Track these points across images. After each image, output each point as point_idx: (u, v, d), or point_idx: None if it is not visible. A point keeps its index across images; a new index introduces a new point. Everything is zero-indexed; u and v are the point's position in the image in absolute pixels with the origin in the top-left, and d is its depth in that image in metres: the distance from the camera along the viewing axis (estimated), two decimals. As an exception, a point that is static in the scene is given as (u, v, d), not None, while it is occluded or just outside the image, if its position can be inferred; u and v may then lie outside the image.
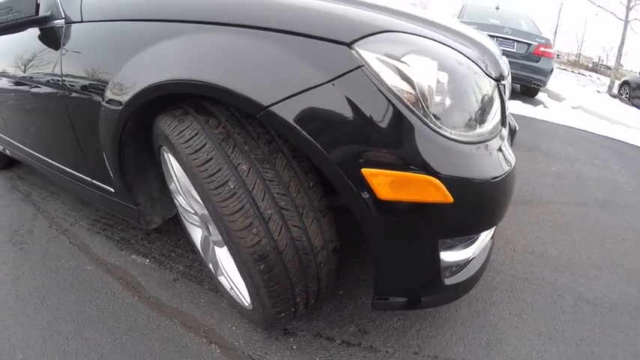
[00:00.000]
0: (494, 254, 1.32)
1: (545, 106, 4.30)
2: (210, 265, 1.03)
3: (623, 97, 7.31)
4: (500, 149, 0.72)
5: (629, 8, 6.51)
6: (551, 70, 4.48)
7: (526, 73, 4.35)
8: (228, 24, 0.66)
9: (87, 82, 0.93)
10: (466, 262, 0.77)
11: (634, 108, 5.61)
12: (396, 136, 0.57)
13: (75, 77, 0.97)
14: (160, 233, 1.47)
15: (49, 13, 1.10)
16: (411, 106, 0.58)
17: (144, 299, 1.15)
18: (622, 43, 7.44)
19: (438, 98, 0.60)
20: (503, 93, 0.80)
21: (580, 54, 37.21)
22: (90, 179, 1.20)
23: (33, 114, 1.45)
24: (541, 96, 5.18)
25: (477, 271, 0.81)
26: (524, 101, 4.21)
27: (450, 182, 0.59)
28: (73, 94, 0.99)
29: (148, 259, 1.34)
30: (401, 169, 0.57)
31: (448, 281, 0.73)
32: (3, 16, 1.12)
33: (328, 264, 0.74)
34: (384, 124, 0.57)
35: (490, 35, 4.30)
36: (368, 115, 0.57)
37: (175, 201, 1.03)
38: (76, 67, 0.97)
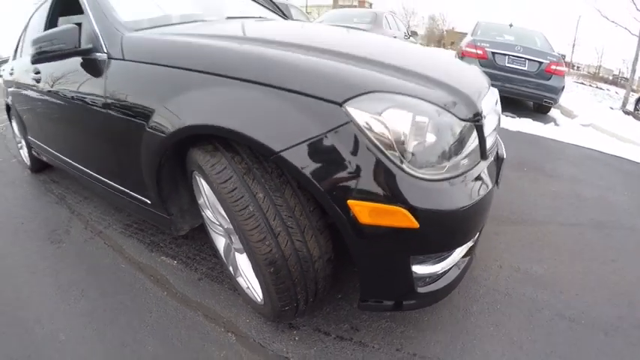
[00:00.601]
0: (480, 269, 1.46)
1: (555, 124, 4.35)
2: (231, 268, 1.22)
3: (638, 113, 7.21)
4: (474, 180, 0.89)
5: None
6: (563, 88, 4.53)
7: (537, 90, 4.43)
8: (248, 80, 0.85)
9: (131, 110, 1.13)
10: (440, 274, 0.94)
11: None
12: (374, 176, 0.75)
13: (119, 102, 1.18)
14: (186, 239, 1.67)
15: (90, 46, 1.33)
16: (387, 153, 0.76)
17: (172, 294, 1.35)
18: (636, 59, 7.36)
19: (412, 145, 0.78)
20: (482, 129, 0.96)
21: (600, 66, 36.23)
22: (128, 190, 1.40)
23: (74, 128, 1.67)
24: (554, 112, 5.21)
25: (452, 282, 0.97)
26: (534, 119, 4.25)
27: (420, 212, 0.76)
28: (117, 116, 1.20)
29: (176, 260, 1.54)
30: (378, 201, 0.75)
31: (422, 290, 0.89)
32: (48, 47, 1.32)
33: (324, 270, 0.92)
34: (365, 167, 0.75)
35: (502, 53, 4.39)
36: (353, 160, 0.75)
37: (203, 213, 1.23)
38: (119, 94, 1.18)
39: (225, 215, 0.92)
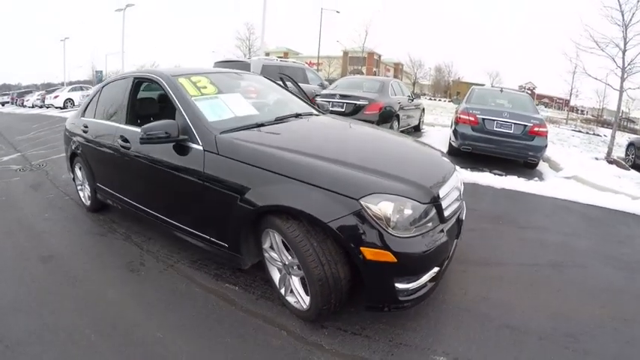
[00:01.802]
0: (450, 294, 2.10)
1: (540, 179, 5.05)
2: (282, 290, 1.91)
3: (629, 157, 7.90)
4: (432, 235, 1.61)
5: (622, 79, 7.53)
6: (545, 147, 5.32)
7: (522, 150, 5.24)
8: (308, 183, 1.61)
9: (226, 188, 1.86)
10: (413, 290, 1.61)
11: (631, 172, 6.14)
12: (373, 235, 1.49)
13: (216, 180, 1.90)
14: (242, 272, 2.33)
15: (185, 137, 2.09)
16: (380, 223, 1.50)
17: (239, 308, 2.00)
18: (618, 111, 8.29)
19: (393, 219, 1.51)
20: (440, 206, 1.69)
21: (603, 108, 37.50)
22: (209, 237, 2.09)
23: (160, 187, 2.35)
24: (542, 166, 5.95)
25: (422, 295, 1.65)
26: (520, 175, 4.94)
27: (397, 253, 1.48)
28: (213, 189, 1.91)
29: (237, 286, 2.20)
30: (375, 247, 1.48)
31: (403, 298, 1.58)
32: (156, 135, 2.05)
33: (346, 286, 1.63)
34: (369, 231, 1.49)
35: (490, 119, 5.21)
36: (363, 227, 1.50)
37: (266, 254, 1.94)
38: (217, 176, 1.90)
39: (294, 254, 1.66)
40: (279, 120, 2.45)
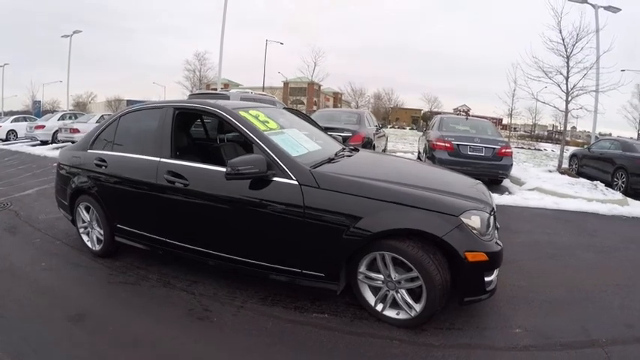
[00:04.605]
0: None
1: (509, 192, 6.27)
2: (379, 307, 2.42)
3: (573, 167, 9.75)
4: (496, 240, 2.34)
5: (567, 102, 9.47)
6: (511, 165, 6.69)
7: (493, 169, 6.53)
8: (411, 206, 2.22)
9: (333, 218, 2.23)
10: (490, 282, 2.30)
11: (580, 180, 7.78)
12: (472, 242, 2.17)
13: (321, 212, 2.24)
14: (320, 300, 2.64)
15: (273, 172, 2.31)
16: (474, 232, 2.19)
17: (341, 332, 2.33)
18: (565, 129, 10.32)
19: (480, 228, 2.22)
20: (495, 215, 2.45)
21: (535, 124, 43.88)
22: (299, 270, 2.41)
23: (245, 226, 2.41)
24: (506, 182, 7.36)
25: (494, 287, 2.35)
26: (492, 191, 6.04)
27: (487, 253, 2.18)
28: (316, 221, 2.25)
29: (326, 314, 2.51)
30: (474, 250, 2.16)
31: (488, 288, 2.27)
32: (246, 171, 2.24)
33: (450, 288, 2.24)
34: (469, 239, 2.17)
35: (464, 145, 6.34)
36: (463, 236, 2.16)
37: (360, 276, 2.40)
38: (322, 208, 2.23)
39: (394, 271, 2.23)
40: (338, 154, 2.90)
